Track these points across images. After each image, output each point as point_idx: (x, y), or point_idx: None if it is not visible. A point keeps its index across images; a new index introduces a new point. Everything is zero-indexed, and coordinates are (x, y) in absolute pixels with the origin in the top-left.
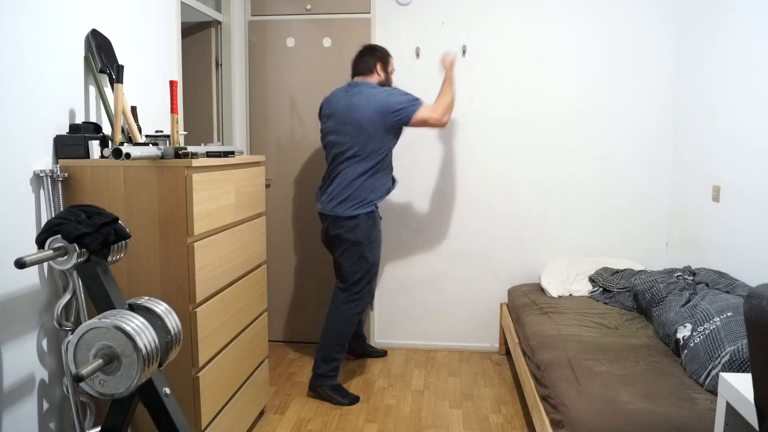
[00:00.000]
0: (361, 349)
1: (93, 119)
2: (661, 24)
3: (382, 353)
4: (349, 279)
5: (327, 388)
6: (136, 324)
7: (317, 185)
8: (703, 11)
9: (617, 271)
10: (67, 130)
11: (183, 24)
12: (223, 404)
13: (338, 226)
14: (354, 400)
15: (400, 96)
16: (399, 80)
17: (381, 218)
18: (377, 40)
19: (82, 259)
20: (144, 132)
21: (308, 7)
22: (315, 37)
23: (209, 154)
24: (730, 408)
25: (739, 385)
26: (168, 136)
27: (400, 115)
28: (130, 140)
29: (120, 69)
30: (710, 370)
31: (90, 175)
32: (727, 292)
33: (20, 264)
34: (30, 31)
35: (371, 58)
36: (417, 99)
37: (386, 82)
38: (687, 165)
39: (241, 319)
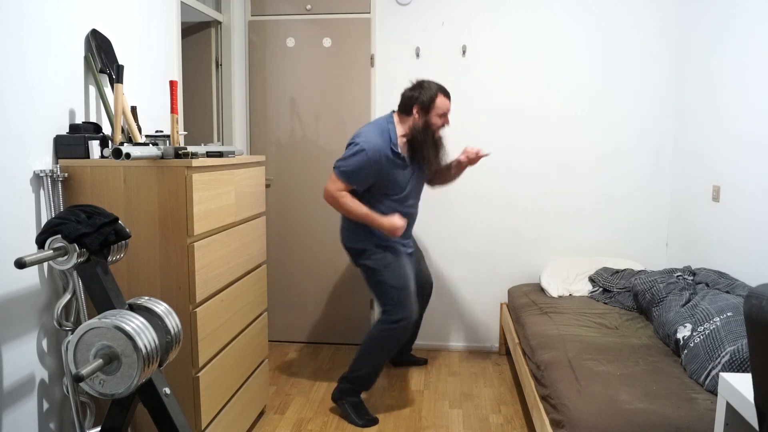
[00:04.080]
0: (403, 357)
1: (93, 119)
2: (662, 24)
3: (424, 361)
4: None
5: (347, 403)
6: (136, 324)
7: (317, 185)
8: (703, 12)
9: (617, 271)
10: (67, 130)
11: (183, 24)
12: (223, 404)
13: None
14: (370, 422)
15: (348, 158)
16: (399, 81)
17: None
18: (377, 40)
19: (82, 259)
20: (144, 132)
21: (308, 7)
22: (315, 37)
23: (209, 154)
24: (730, 408)
25: (739, 385)
26: (168, 136)
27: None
28: (130, 140)
29: (120, 69)
30: (710, 370)
31: (90, 175)
32: (727, 292)
33: (20, 264)
34: (30, 31)
35: (410, 95)
36: (341, 169)
37: (425, 128)
38: (687, 165)
39: (241, 319)
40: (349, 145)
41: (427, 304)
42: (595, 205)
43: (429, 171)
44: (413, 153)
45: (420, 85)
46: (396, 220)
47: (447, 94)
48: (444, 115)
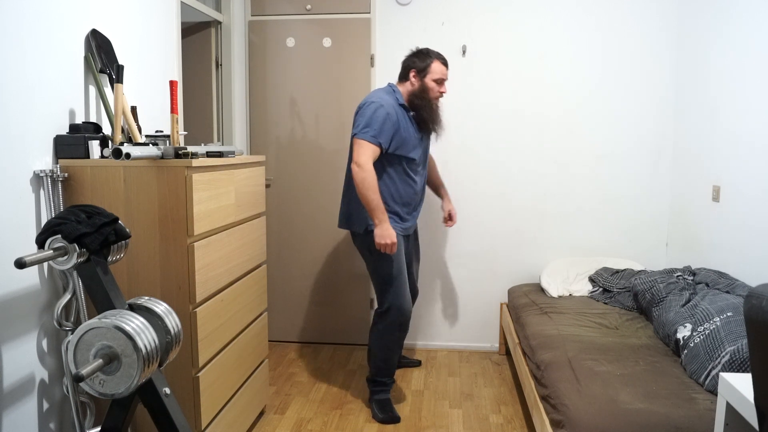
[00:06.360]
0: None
1: (93, 119)
2: (662, 23)
3: (416, 363)
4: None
5: (373, 401)
6: (136, 324)
7: (317, 185)
8: (703, 11)
9: (617, 271)
10: (67, 130)
11: (183, 24)
12: (223, 404)
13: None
14: (390, 419)
15: (366, 118)
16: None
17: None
18: (377, 40)
19: (82, 259)
20: (144, 132)
21: (308, 7)
22: (315, 37)
23: (209, 154)
24: (730, 408)
25: (739, 385)
26: (168, 136)
27: (353, 130)
28: (130, 140)
29: (120, 69)
30: (710, 370)
31: (90, 175)
32: (727, 292)
33: (20, 264)
34: (30, 31)
35: (407, 62)
36: (371, 133)
37: (422, 92)
38: (687, 165)
39: (241, 319)
40: (359, 110)
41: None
42: (595, 205)
43: (432, 131)
44: (414, 116)
45: (418, 52)
46: (393, 236)
47: (443, 61)
48: (440, 81)
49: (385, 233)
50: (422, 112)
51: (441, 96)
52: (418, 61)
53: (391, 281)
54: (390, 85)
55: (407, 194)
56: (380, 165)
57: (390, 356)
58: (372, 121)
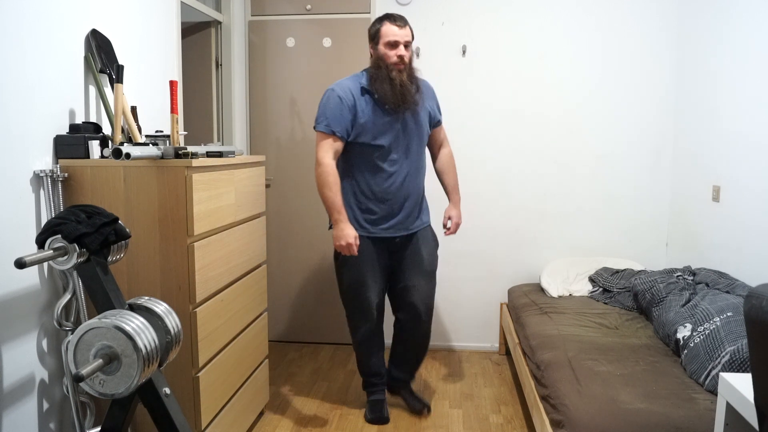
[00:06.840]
0: (397, 390)
1: (93, 119)
2: (662, 24)
3: (420, 407)
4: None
5: (367, 401)
6: (136, 324)
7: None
8: (703, 11)
9: (617, 271)
10: (67, 130)
11: (183, 24)
12: (223, 404)
13: None
14: (377, 420)
15: (321, 108)
16: None
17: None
18: None
19: (82, 259)
20: (144, 132)
21: (308, 7)
22: (315, 37)
23: (209, 154)
24: (730, 408)
25: (739, 385)
26: (168, 136)
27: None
28: (130, 140)
29: (120, 69)
30: (710, 370)
31: (90, 175)
32: (727, 292)
33: (20, 264)
34: (30, 31)
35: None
36: (325, 122)
37: (377, 62)
38: (687, 165)
39: (241, 319)
40: (321, 101)
41: (412, 335)
42: (595, 205)
43: (400, 107)
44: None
45: (374, 20)
46: (350, 237)
47: (397, 21)
48: (393, 44)
49: (341, 234)
50: (377, 85)
51: (400, 62)
52: (371, 29)
53: (347, 300)
54: (365, 69)
55: (380, 189)
56: (346, 157)
57: (367, 361)
58: (325, 109)
